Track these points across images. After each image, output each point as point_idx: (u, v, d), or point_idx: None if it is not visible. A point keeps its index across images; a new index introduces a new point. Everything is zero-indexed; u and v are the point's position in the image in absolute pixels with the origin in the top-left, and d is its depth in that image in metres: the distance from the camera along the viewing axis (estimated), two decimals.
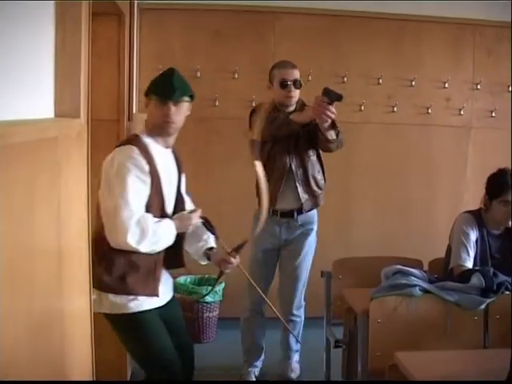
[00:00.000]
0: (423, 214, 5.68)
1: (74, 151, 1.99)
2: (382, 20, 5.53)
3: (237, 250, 3.24)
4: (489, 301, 3.32)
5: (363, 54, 5.54)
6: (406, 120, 5.65)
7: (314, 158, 4.23)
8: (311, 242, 4.38)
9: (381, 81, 5.57)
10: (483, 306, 3.32)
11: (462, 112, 5.74)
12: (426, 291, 3.32)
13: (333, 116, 3.67)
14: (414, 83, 5.63)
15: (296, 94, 4.21)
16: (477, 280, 3.35)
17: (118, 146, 2.93)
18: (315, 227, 4.37)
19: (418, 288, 3.28)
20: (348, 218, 5.40)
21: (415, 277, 3.39)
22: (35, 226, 1.83)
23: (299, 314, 4.45)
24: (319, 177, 4.27)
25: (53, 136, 2.04)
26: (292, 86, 4.17)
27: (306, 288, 4.43)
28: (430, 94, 5.69)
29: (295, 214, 4.25)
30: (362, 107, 5.57)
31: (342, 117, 5.13)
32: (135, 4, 4.78)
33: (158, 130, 2.98)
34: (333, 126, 3.84)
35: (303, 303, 4.47)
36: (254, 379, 4.53)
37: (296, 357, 4.62)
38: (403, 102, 5.63)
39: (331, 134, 3.88)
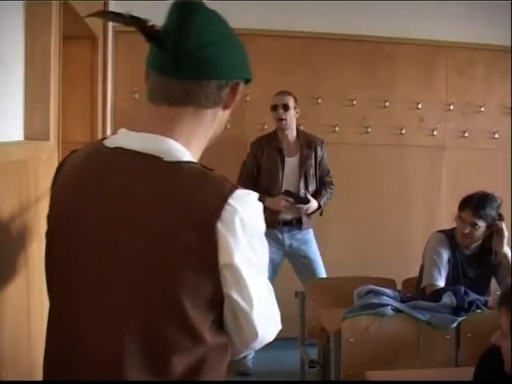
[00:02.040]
0: (398, 234, 5.72)
1: (43, 173, 2.00)
2: (356, 42, 5.60)
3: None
4: (460, 319, 3.37)
5: (337, 76, 5.60)
6: (380, 141, 5.71)
7: None
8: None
9: (355, 102, 5.63)
10: (455, 325, 3.36)
11: (435, 132, 5.80)
12: (397, 310, 3.36)
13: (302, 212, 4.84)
14: (387, 104, 5.70)
15: (286, 115, 4.86)
16: (448, 299, 3.39)
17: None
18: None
19: (389, 307, 3.32)
20: (322, 237, 5.41)
21: (387, 296, 3.43)
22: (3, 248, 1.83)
23: None
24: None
25: (21, 158, 2.05)
26: (281, 109, 4.85)
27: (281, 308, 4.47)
28: (403, 115, 5.75)
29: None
30: (337, 128, 5.61)
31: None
32: (109, 27, 4.83)
33: None
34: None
35: None
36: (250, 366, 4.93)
37: None
38: (377, 123, 5.68)
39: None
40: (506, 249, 3.91)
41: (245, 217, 1.33)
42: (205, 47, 1.41)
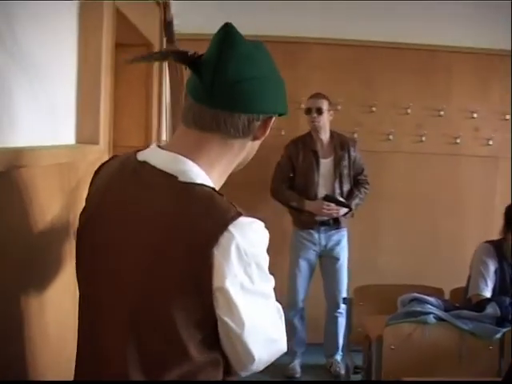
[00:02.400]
0: (451, 243, 5.69)
1: (90, 176, 2.13)
2: (411, 50, 5.62)
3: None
4: (504, 330, 3.36)
5: (392, 84, 5.62)
6: (435, 149, 5.71)
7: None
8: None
9: (409, 110, 5.65)
10: (499, 335, 3.35)
11: (490, 142, 5.77)
12: (440, 319, 3.37)
13: (333, 214, 4.91)
14: (442, 113, 5.69)
15: (319, 119, 4.93)
16: (492, 309, 3.39)
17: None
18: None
19: (432, 316, 3.34)
20: (375, 245, 5.45)
21: (431, 305, 3.44)
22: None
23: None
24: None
25: (68, 161, 2.16)
26: (315, 113, 4.92)
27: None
28: (458, 124, 5.74)
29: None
30: (391, 136, 5.64)
31: (371, 146, 5.31)
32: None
33: None
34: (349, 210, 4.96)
35: None
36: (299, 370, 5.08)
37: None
38: (432, 132, 5.69)
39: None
40: None
41: (242, 244, 1.36)
42: (241, 81, 1.45)
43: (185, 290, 1.37)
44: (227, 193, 1.46)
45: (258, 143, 1.58)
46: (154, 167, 1.48)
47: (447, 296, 4.23)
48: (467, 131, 5.75)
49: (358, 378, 4.07)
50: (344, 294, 4.83)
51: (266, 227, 1.46)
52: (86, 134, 2.53)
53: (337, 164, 4.97)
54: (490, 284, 3.90)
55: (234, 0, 5.17)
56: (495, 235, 4.22)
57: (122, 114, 3.75)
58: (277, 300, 1.53)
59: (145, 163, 1.50)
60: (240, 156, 1.56)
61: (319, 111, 4.92)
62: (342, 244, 5.07)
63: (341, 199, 4.86)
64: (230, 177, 1.60)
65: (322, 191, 4.92)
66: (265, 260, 1.44)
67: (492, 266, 3.95)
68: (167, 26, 4.20)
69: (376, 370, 3.37)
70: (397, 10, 5.44)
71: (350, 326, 4.18)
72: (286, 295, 4.85)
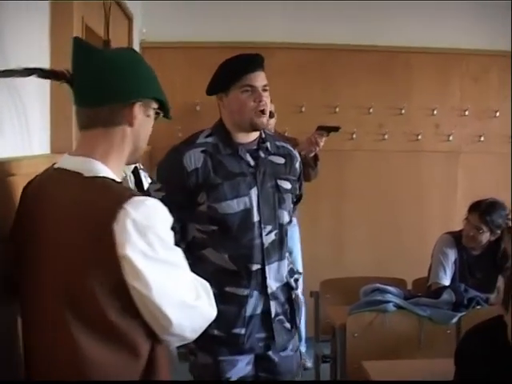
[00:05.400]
0: (414, 237, 5.86)
1: None
2: (372, 52, 5.80)
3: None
4: (460, 315, 3.55)
5: (354, 85, 5.80)
6: (397, 147, 5.90)
7: None
8: None
9: (371, 110, 5.83)
10: (455, 320, 3.54)
11: (450, 138, 5.98)
12: (400, 307, 3.56)
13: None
14: (403, 111, 5.89)
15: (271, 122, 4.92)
16: (447, 295, 3.59)
17: None
18: None
19: (392, 304, 3.53)
20: (340, 241, 5.63)
21: (391, 294, 3.63)
22: None
23: None
24: None
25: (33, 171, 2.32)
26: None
27: None
28: (419, 122, 5.94)
29: None
30: (354, 135, 5.82)
31: (334, 145, 5.48)
32: (135, 42, 5.14)
33: None
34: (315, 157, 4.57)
35: None
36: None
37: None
38: (393, 130, 5.88)
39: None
40: None
41: (136, 218, 1.60)
42: (94, 80, 1.74)
43: (97, 262, 1.62)
44: None
45: (141, 129, 1.81)
46: (65, 170, 1.75)
47: (410, 286, 4.42)
48: (428, 128, 5.95)
49: (326, 366, 4.25)
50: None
51: None
52: (59, 144, 2.70)
53: None
54: (449, 273, 4.10)
55: (198, 8, 5.37)
56: (456, 227, 4.42)
57: None
58: None
59: (59, 169, 1.78)
60: (126, 142, 1.79)
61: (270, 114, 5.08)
62: (293, 238, 5.00)
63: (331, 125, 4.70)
64: None
65: None
66: (164, 231, 1.68)
67: (452, 256, 4.15)
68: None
69: (341, 357, 3.55)
70: (356, 13, 5.69)
71: (317, 318, 4.36)
72: None
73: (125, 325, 1.66)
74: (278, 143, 2.97)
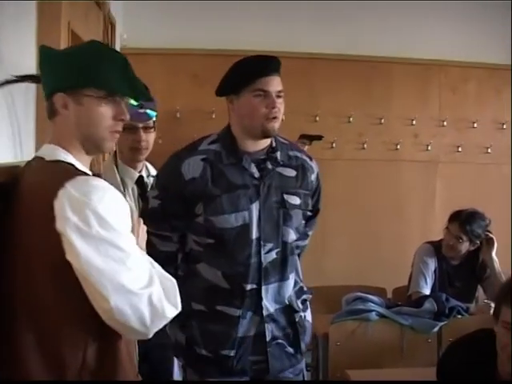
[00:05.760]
0: (393, 246, 5.86)
1: None
2: (352, 61, 5.83)
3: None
4: (441, 324, 3.60)
5: (334, 94, 5.81)
6: (376, 156, 5.92)
7: None
8: None
9: (351, 119, 5.85)
10: (436, 329, 3.59)
11: (429, 147, 6.01)
12: (382, 316, 3.59)
13: None
14: (383, 121, 5.91)
15: None
16: (429, 305, 3.63)
17: None
18: None
19: (374, 313, 3.56)
20: (321, 249, 5.63)
21: (373, 303, 3.66)
22: None
23: None
24: None
25: None
26: None
27: None
28: (398, 131, 5.96)
29: None
30: (334, 144, 5.83)
31: (314, 153, 5.43)
32: (117, 46, 5.12)
33: None
34: None
35: None
36: None
37: None
38: (373, 139, 5.90)
39: None
40: (495, 258, 4.13)
41: (74, 195, 1.64)
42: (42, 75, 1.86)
43: (41, 240, 1.68)
44: None
45: (80, 118, 1.81)
46: (38, 157, 1.84)
47: (390, 295, 4.47)
48: (407, 138, 5.97)
49: (308, 375, 4.24)
50: None
51: None
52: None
53: None
54: (430, 282, 4.13)
55: (180, 14, 5.36)
56: (435, 236, 4.46)
57: None
58: None
59: (36, 157, 1.86)
60: (70, 131, 1.82)
61: None
62: None
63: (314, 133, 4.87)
64: None
65: None
66: (106, 211, 1.67)
67: (432, 265, 4.18)
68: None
69: (323, 366, 3.56)
70: (338, 23, 5.72)
71: None
72: None
73: (70, 308, 1.70)
74: (291, 153, 2.75)
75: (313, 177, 2.81)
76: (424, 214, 6.02)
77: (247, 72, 2.58)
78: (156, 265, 1.82)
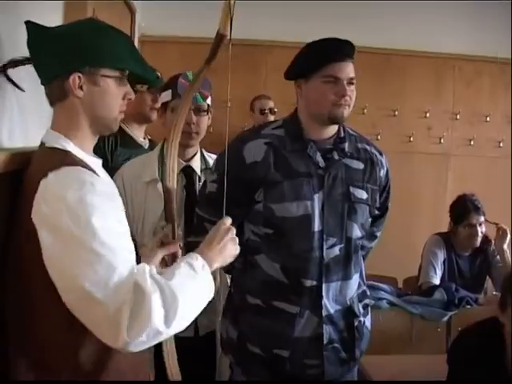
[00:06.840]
0: (405, 237, 5.89)
1: None
2: (367, 54, 5.84)
3: None
4: (451, 313, 3.65)
5: None
6: (389, 148, 5.88)
7: None
8: None
9: (365, 111, 5.90)
10: (446, 319, 3.64)
11: (442, 140, 6.07)
12: (393, 304, 3.65)
13: None
14: (397, 113, 5.97)
15: (272, 119, 5.07)
16: (439, 294, 3.68)
17: None
18: None
19: (385, 301, 3.61)
20: None
21: (384, 291, 3.72)
22: None
23: None
24: None
25: None
26: (268, 113, 5.26)
27: None
28: (411, 124, 6.02)
29: None
30: None
31: None
32: (136, 36, 5.19)
33: None
34: None
35: None
36: None
37: None
38: (386, 131, 5.95)
39: None
40: (506, 249, 4.18)
41: (52, 186, 1.58)
42: (34, 59, 1.78)
43: (30, 229, 1.59)
44: None
45: (94, 99, 1.75)
46: (42, 143, 1.78)
47: (400, 284, 4.52)
48: (420, 130, 6.03)
49: None
50: None
51: None
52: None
53: None
54: (439, 272, 4.19)
55: (196, 3, 5.40)
56: (445, 228, 4.51)
57: None
58: None
59: (41, 143, 1.79)
60: (80, 114, 1.76)
61: (272, 111, 5.32)
62: None
63: None
64: None
65: None
66: (82, 205, 1.55)
67: (441, 256, 4.24)
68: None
69: None
70: (352, 14, 5.73)
71: None
72: None
73: (56, 311, 1.60)
74: (359, 145, 2.60)
75: (382, 173, 2.68)
76: (435, 205, 6.05)
77: (317, 56, 2.40)
78: (154, 270, 1.61)
